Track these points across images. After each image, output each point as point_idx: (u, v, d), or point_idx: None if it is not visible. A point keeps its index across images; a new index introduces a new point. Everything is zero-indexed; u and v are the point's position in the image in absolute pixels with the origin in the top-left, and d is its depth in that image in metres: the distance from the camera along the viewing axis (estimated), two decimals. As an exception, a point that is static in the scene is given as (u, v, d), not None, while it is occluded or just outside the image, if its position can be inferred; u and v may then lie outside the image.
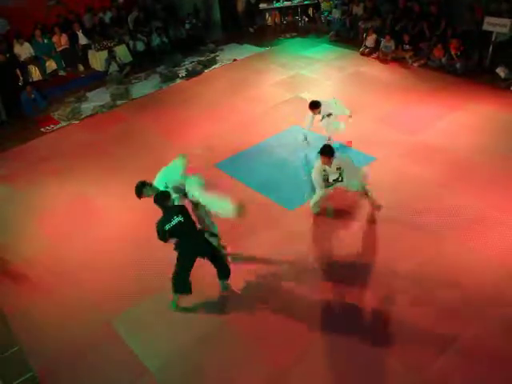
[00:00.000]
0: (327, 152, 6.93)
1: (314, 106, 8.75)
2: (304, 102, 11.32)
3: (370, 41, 13.73)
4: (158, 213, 6.09)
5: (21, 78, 13.08)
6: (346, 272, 6.64)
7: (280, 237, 7.36)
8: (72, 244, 7.75)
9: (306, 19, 17.60)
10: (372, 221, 7.48)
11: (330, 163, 6.95)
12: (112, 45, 14.64)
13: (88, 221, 8.22)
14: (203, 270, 6.31)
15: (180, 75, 13.97)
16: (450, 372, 5.24)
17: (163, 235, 5.91)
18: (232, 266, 6.58)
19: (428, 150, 9.01)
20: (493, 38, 11.77)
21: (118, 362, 5.76)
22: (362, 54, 13.77)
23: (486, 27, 11.72)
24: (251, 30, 17.16)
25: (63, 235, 7.95)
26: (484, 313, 5.85)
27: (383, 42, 13.31)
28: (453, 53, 11.96)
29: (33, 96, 12.52)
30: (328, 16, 16.25)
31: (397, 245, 6.98)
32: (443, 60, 12.21)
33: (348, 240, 7.19)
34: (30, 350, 6.07)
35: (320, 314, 6.10)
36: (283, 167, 9.07)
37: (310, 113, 8.90)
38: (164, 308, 6.41)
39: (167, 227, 5.86)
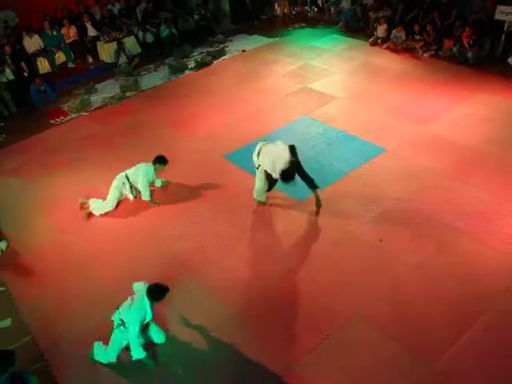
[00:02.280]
0: None
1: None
2: (313, 92, 11.32)
3: (380, 31, 13.61)
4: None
5: (26, 70, 13.06)
6: (355, 262, 6.62)
7: (290, 227, 7.35)
8: (81, 235, 7.78)
9: (316, 9, 17.48)
10: (381, 212, 7.45)
11: None
12: (121, 36, 14.63)
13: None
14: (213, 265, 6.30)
15: (189, 66, 13.93)
16: (459, 363, 5.23)
17: None
18: (241, 260, 6.59)
19: (438, 141, 8.94)
20: (505, 28, 11.62)
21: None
22: (372, 44, 13.67)
23: (497, 16, 11.55)
24: (255, 22, 16.99)
25: (73, 226, 7.99)
26: (495, 305, 5.81)
27: (394, 32, 13.19)
28: (465, 42, 11.82)
29: (42, 88, 12.56)
30: (337, 6, 16.11)
31: (406, 236, 6.95)
32: (454, 50, 12.07)
33: (357, 230, 7.16)
34: (41, 340, 6.13)
35: (328, 303, 6.09)
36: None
37: None
38: (175, 299, 6.42)
39: None
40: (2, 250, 7.63)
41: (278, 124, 10.15)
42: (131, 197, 8.18)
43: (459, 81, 11.14)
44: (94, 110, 12.14)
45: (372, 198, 7.76)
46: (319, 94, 11.23)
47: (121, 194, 8.18)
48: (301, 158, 7.13)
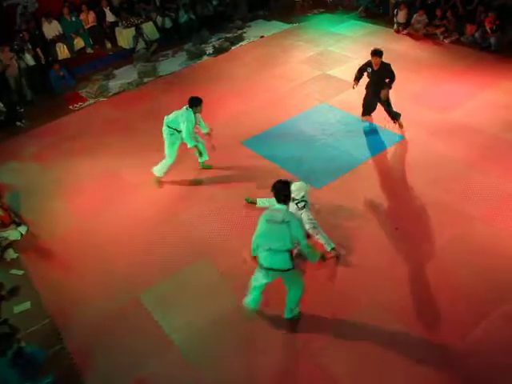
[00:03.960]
0: None
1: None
2: (332, 79, 11.22)
3: (401, 16, 13.39)
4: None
5: (42, 56, 13.12)
6: (371, 250, 6.59)
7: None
8: (100, 220, 7.85)
9: (335, -6, 17.24)
10: (397, 199, 7.39)
11: None
12: (139, 22, 14.60)
13: (116, 196, 8.32)
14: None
15: (207, 52, 13.88)
16: (476, 352, 5.20)
17: None
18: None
19: (458, 129, 8.82)
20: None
21: (145, 337, 5.86)
22: (397, 31, 13.44)
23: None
24: (261, 12, 16.57)
25: (92, 211, 8.06)
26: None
27: (416, 16, 12.98)
28: (488, 27, 11.59)
29: (61, 74, 12.61)
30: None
31: (423, 223, 6.91)
32: (476, 35, 11.85)
33: (373, 218, 7.12)
34: (60, 323, 6.22)
35: (342, 292, 6.08)
36: (310, 145, 8.98)
37: None
38: (191, 283, 6.47)
39: None
40: (22, 234, 7.73)
41: (297, 111, 10.09)
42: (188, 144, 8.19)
43: (481, 67, 10.95)
44: (112, 95, 12.18)
45: (389, 185, 7.71)
46: (338, 80, 11.12)
47: (175, 143, 8.22)
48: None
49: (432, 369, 5.11)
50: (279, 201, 5.16)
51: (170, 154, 8.26)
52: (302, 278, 5.53)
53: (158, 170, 8.38)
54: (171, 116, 8.14)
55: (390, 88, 8.48)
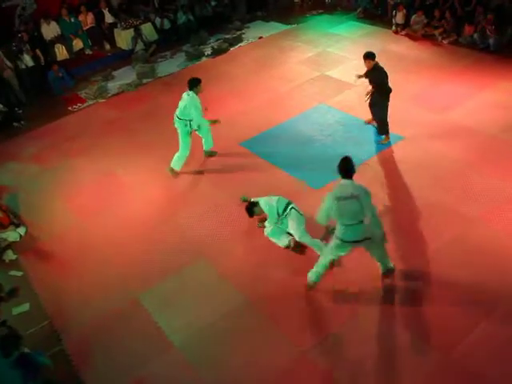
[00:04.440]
0: None
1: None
2: (331, 79, 11.22)
3: (399, 17, 13.39)
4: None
5: (42, 57, 13.12)
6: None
7: (305, 215, 7.32)
8: (99, 221, 7.85)
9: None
10: (396, 200, 7.39)
11: None
12: (138, 23, 14.60)
13: (114, 197, 8.33)
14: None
15: (206, 53, 13.89)
16: (474, 353, 5.19)
17: None
18: (256, 247, 6.60)
19: (457, 130, 8.82)
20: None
21: (144, 337, 5.86)
22: (396, 32, 13.43)
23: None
24: (259, 13, 16.59)
25: (90, 212, 8.06)
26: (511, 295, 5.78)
27: (414, 17, 12.99)
28: (487, 29, 11.60)
29: (60, 75, 12.62)
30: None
31: (423, 225, 6.90)
32: (475, 36, 11.87)
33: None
34: (59, 324, 6.22)
35: (343, 294, 6.09)
36: (309, 146, 8.99)
37: None
38: (190, 284, 6.47)
39: None
40: (21, 236, 7.73)
41: (295, 111, 10.09)
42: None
43: (480, 68, 10.95)
44: (111, 96, 12.18)
45: (388, 186, 7.72)
46: (336, 81, 11.13)
47: (188, 134, 8.41)
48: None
49: (431, 369, 5.11)
50: (344, 177, 5.40)
51: (184, 145, 8.43)
52: (384, 239, 5.73)
53: (175, 163, 8.54)
54: (179, 108, 8.24)
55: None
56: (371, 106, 8.68)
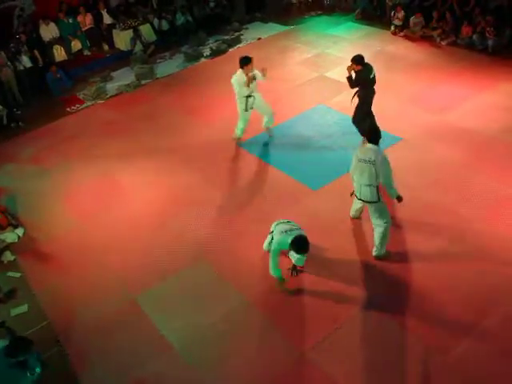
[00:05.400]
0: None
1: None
2: (329, 80, 11.23)
3: (397, 18, 13.41)
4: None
5: (40, 59, 13.10)
6: (369, 252, 6.58)
7: (303, 216, 7.33)
8: (98, 221, 7.85)
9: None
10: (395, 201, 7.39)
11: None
12: (136, 24, 14.60)
13: (114, 198, 8.32)
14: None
15: (204, 54, 13.90)
16: (473, 354, 5.20)
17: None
18: (256, 249, 6.60)
19: (455, 131, 8.83)
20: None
21: (143, 339, 5.86)
22: (394, 33, 13.44)
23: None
24: (258, 14, 16.57)
25: (89, 213, 8.05)
26: (510, 296, 5.76)
27: (412, 19, 13.00)
28: (486, 30, 11.60)
29: (59, 76, 12.62)
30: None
31: (422, 225, 6.91)
32: (474, 37, 11.87)
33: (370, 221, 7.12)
34: (57, 326, 6.21)
35: (342, 295, 6.09)
36: (308, 146, 8.99)
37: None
38: (188, 285, 6.47)
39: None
40: (19, 237, 7.72)
41: (294, 112, 10.10)
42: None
43: (478, 69, 10.96)
44: (110, 97, 12.18)
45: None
46: (335, 82, 11.12)
47: (247, 109, 8.77)
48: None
49: (429, 372, 5.11)
50: (370, 141, 6.16)
51: (243, 118, 8.90)
52: (387, 215, 6.20)
53: (237, 132, 9.12)
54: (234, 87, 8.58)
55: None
56: (355, 122, 8.53)
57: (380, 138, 6.21)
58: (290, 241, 5.68)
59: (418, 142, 8.65)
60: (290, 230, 5.85)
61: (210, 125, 10.06)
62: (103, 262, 7.03)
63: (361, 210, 6.96)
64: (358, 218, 7.10)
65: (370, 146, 6.10)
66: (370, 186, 6.02)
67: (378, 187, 6.06)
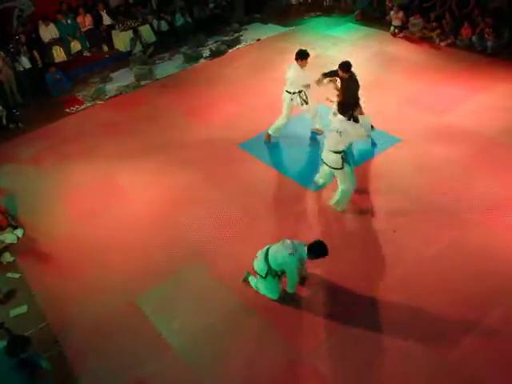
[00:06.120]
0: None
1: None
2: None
3: (397, 19, 13.42)
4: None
5: (39, 60, 13.09)
6: (368, 253, 6.60)
7: (302, 216, 7.34)
8: (97, 222, 7.84)
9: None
10: (395, 202, 7.39)
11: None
12: (136, 25, 14.60)
13: (113, 199, 8.32)
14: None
15: (204, 55, 13.89)
16: (472, 354, 5.20)
17: None
18: (254, 249, 6.59)
19: (454, 132, 8.84)
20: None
21: (142, 339, 5.86)
22: (393, 34, 13.45)
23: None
24: (257, 15, 16.51)
25: (89, 214, 8.05)
26: (510, 296, 5.76)
27: (411, 19, 13.00)
28: (486, 31, 11.61)
29: (58, 76, 12.62)
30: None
31: (420, 227, 6.90)
32: (473, 39, 11.88)
33: (371, 221, 7.13)
34: (56, 327, 6.20)
35: (340, 295, 6.09)
36: (307, 147, 9.01)
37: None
38: (188, 286, 6.47)
39: None
40: (18, 238, 7.72)
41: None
42: (304, 107, 8.86)
43: (477, 70, 10.97)
44: (109, 98, 12.17)
45: (386, 188, 7.71)
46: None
47: (292, 108, 8.83)
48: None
49: (428, 373, 5.11)
50: (341, 113, 6.78)
51: (285, 114, 8.88)
52: (348, 184, 6.92)
53: (273, 128, 9.04)
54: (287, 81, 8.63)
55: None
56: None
57: (349, 110, 6.76)
58: (305, 253, 5.62)
59: (417, 142, 8.65)
60: (293, 248, 5.66)
61: (210, 125, 10.06)
62: (103, 263, 7.03)
63: (325, 178, 7.48)
64: (321, 185, 7.64)
65: (340, 117, 6.76)
66: (334, 152, 6.71)
67: (343, 156, 6.74)
